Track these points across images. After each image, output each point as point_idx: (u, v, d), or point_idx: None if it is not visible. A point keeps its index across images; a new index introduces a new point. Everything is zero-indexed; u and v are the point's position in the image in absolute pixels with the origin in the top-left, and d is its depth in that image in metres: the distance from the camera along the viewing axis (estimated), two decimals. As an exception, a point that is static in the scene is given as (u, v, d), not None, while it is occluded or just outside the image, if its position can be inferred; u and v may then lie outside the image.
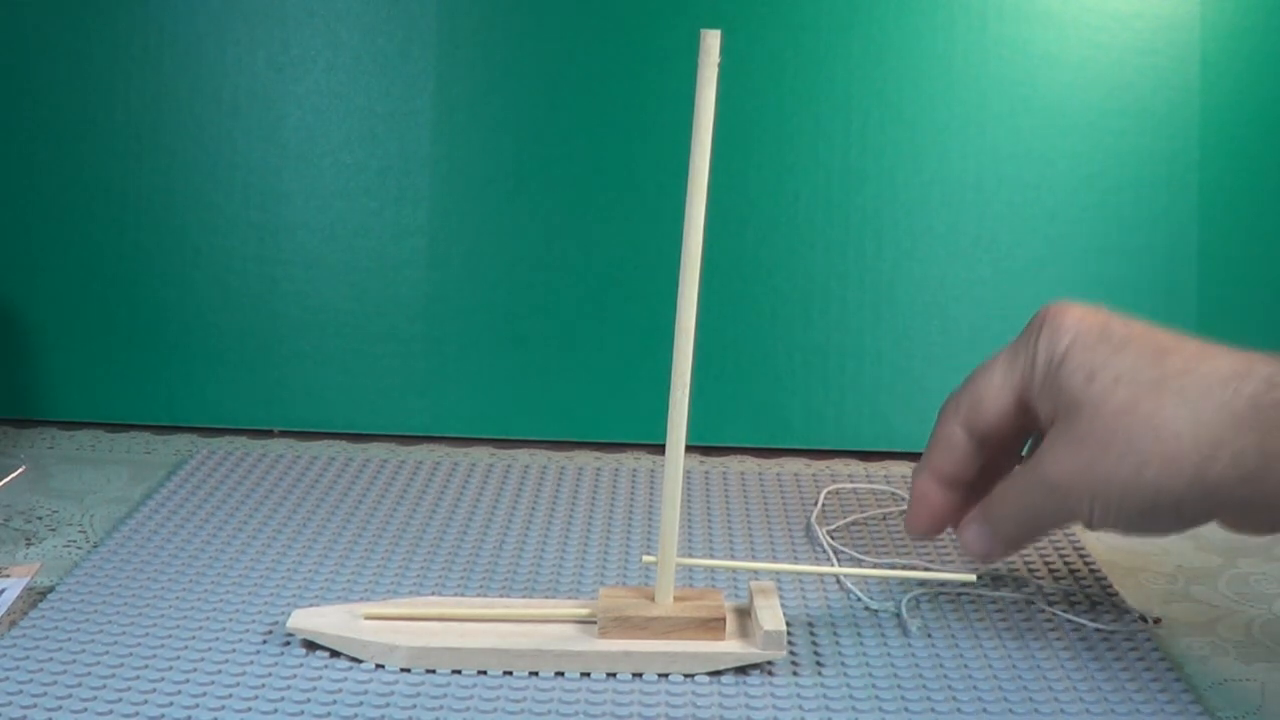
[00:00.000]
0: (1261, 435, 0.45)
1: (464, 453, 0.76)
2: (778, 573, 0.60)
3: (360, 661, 0.51)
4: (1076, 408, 0.49)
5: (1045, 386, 0.51)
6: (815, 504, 0.69)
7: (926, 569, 0.61)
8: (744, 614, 0.54)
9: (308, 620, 0.52)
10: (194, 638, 0.53)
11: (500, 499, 0.69)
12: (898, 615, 0.56)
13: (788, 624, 0.54)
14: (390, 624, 0.52)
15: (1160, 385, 0.47)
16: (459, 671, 0.51)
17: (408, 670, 0.51)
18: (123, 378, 0.79)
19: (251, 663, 0.51)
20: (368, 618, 0.53)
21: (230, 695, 0.48)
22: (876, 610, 0.57)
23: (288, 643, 0.53)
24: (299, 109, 0.79)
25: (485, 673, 0.51)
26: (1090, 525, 0.50)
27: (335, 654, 0.52)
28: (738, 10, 0.77)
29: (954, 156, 0.77)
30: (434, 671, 0.51)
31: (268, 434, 0.79)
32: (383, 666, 0.51)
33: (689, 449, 0.52)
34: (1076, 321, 0.51)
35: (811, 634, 0.55)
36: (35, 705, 0.47)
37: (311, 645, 0.52)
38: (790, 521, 0.67)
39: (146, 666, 0.50)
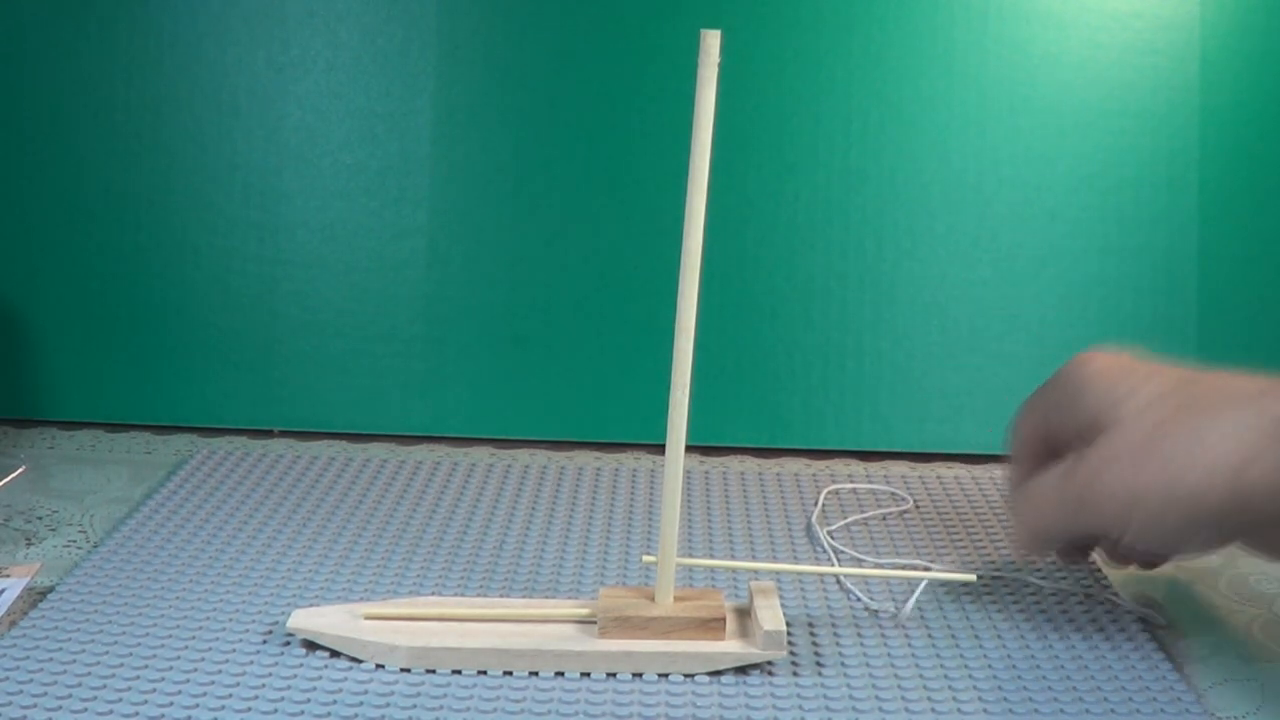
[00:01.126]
0: None
1: (464, 453, 0.76)
2: (778, 573, 0.60)
3: (360, 661, 0.51)
4: (1108, 427, 0.51)
5: (1066, 417, 0.53)
6: (815, 504, 0.69)
7: (926, 569, 0.61)
8: (744, 614, 0.54)
9: (308, 620, 0.52)
10: (194, 638, 0.53)
11: (500, 499, 0.69)
12: (897, 615, 0.56)
13: (788, 624, 0.54)
14: (390, 624, 0.52)
15: (1190, 406, 0.50)
16: (459, 671, 0.51)
17: (408, 670, 0.51)
18: (123, 378, 0.79)
19: (251, 663, 0.51)
20: (368, 618, 0.53)
21: (230, 695, 0.48)
22: (876, 610, 0.57)
23: (288, 643, 0.53)
24: (299, 109, 0.79)
25: (485, 673, 0.51)
26: (1123, 540, 0.51)
27: (335, 654, 0.52)
28: (738, 10, 0.77)
29: (954, 156, 0.77)
30: (434, 671, 0.51)
31: (268, 434, 0.78)
32: (383, 666, 0.51)
33: (689, 449, 0.52)
34: (1101, 360, 0.54)
35: (811, 634, 0.54)
36: (35, 705, 0.47)
37: (311, 645, 0.52)
38: (790, 521, 0.67)
39: (146, 666, 0.50)
